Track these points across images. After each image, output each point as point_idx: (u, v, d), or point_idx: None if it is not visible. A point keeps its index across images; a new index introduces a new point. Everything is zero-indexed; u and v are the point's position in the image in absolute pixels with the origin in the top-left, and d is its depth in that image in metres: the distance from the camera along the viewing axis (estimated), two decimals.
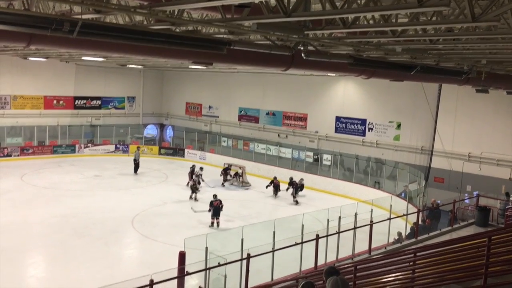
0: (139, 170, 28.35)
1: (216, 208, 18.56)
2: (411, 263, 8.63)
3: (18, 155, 30.78)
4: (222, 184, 25.99)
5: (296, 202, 23.18)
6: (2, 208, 19.50)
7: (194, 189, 22.70)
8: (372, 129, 26.40)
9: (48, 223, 18.22)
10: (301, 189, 23.83)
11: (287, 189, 23.75)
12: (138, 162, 28.42)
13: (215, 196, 19.00)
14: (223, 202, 18.83)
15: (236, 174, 26.54)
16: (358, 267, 9.03)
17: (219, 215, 18.61)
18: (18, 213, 19.26)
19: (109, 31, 8.01)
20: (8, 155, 30.39)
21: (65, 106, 33.92)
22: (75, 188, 24.00)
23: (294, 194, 23.39)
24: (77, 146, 33.43)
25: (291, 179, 24.00)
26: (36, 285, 13.38)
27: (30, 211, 19.69)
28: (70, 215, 19.20)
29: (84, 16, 8.10)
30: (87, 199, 22.03)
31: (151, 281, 8.43)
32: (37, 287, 13.21)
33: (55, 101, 33.43)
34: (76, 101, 34.42)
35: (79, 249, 15.74)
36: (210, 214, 18.66)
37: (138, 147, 30.78)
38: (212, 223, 18.58)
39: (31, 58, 26.36)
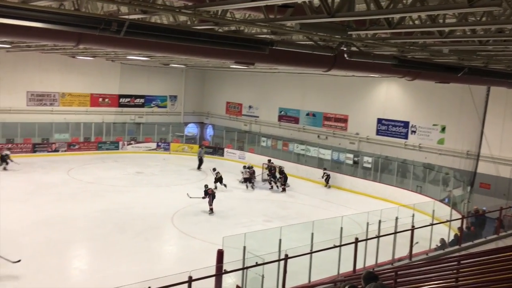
0: (201, 166, 29.91)
1: (213, 195, 20.17)
2: (455, 271, 8.38)
3: (65, 151, 31.95)
4: (271, 185, 25.86)
5: (283, 189, 24.99)
6: (50, 201, 20.37)
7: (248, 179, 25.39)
8: (415, 132, 25.77)
9: (92, 217, 18.80)
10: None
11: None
12: (201, 158, 30.08)
13: (206, 185, 20.68)
14: (262, 203, 19.69)
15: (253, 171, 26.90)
16: (398, 272, 8.85)
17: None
18: (64, 206, 19.98)
19: (155, 31, 8.19)
20: (56, 150, 31.58)
21: (110, 104, 34.93)
22: (118, 184, 24.68)
23: (277, 182, 25.29)
24: (120, 143, 34.35)
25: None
26: (80, 276, 13.85)
27: (75, 205, 20.38)
28: (113, 210, 19.76)
29: (131, 17, 8.32)
30: (129, 195, 22.59)
31: (190, 278, 8.53)
32: (80, 278, 13.67)
33: (100, 99, 34.48)
34: (121, 99, 35.38)
35: (120, 244, 16.16)
36: (214, 203, 20.08)
37: (203, 146, 32.75)
38: (211, 209, 19.91)
39: (79, 57, 27.31)
